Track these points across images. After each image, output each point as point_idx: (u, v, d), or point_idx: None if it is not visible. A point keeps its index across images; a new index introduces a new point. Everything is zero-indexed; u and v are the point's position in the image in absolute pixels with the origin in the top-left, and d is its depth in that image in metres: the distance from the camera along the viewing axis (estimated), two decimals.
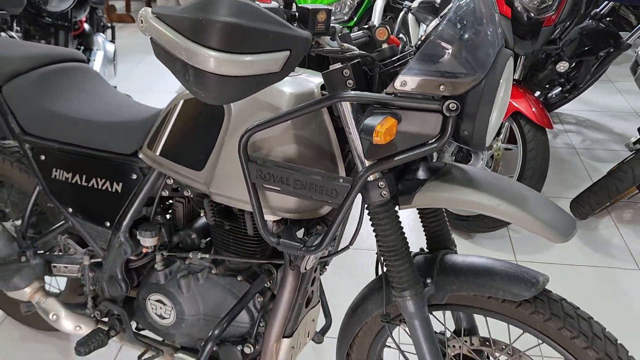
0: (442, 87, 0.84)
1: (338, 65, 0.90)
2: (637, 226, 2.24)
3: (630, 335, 1.73)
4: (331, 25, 0.88)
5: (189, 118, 1.10)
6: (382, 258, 1.02)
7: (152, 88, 3.82)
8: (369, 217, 1.00)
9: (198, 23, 0.65)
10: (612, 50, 2.60)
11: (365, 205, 0.99)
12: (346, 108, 0.91)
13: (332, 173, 0.95)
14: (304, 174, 0.94)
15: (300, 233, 1.09)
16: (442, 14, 0.88)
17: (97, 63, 3.23)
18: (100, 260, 1.32)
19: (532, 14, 1.92)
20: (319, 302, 1.35)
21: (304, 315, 1.27)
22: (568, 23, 2.30)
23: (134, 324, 1.38)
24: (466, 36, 0.84)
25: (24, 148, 1.31)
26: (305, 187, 0.95)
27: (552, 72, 2.51)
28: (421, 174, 1.01)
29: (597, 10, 2.65)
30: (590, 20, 2.64)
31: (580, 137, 2.92)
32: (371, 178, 0.94)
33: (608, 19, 2.64)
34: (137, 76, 4.06)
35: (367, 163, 0.92)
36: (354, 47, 0.91)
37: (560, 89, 2.98)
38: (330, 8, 0.84)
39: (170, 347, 1.33)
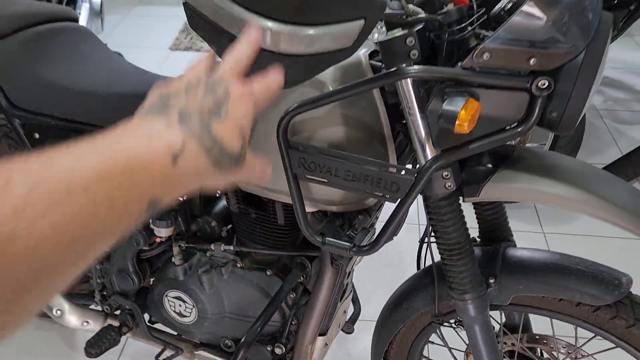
0: (532, 60, 0.68)
1: (399, 31, 0.73)
2: None
3: None
4: None
5: None
6: (441, 255, 0.89)
7: (143, 44, 3.57)
8: (428, 210, 0.86)
9: None
10: None
11: (423, 198, 0.85)
12: (407, 85, 0.76)
13: (389, 162, 0.81)
14: (356, 163, 0.79)
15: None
16: None
17: (82, 17, 2.97)
18: (107, 250, 1.18)
19: None
20: (351, 292, 1.23)
21: (337, 309, 1.15)
22: None
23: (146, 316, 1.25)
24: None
25: (14, 125, 1.13)
26: (358, 179, 0.80)
27: None
28: (488, 160, 0.86)
29: None
30: None
31: (602, 97, 2.77)
32: (434, 173, 0.80)
33: None
34: (125, 30, 3.80)
35: (430, 153, 0.78)
36: (420, 9, 0.75)
37: None
38: None
39: (190, 343, 1.21)
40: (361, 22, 0.59)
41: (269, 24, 0.52)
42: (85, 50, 1.19)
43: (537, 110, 0.71)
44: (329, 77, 0.83)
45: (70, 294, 1.28)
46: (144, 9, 4.15)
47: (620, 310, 0.86)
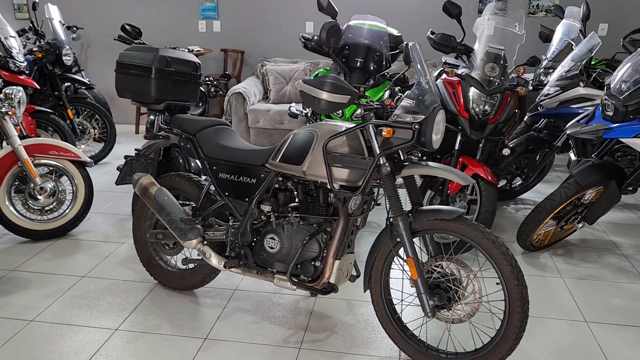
0: (411, 117, 2.05)
1: (369, 112, 2.13)
2: (565, 257, 3.27)
3: (550, 311, 2.69)
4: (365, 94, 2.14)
5: (297, 141, 2.30)
6: (389, 204, 2.15)
7: None
8: (382, 184, 2.14)
9: (321, 83, 1.90)
10: (547, 150, 3.84)
11: (378, 178, 2.15)
12: (371, 128, 2.11)
13: (365, 156, 2.13)
14: (352, 157, 2.12)
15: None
16: (411, 89, 2.12)
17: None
18: (238, 223, 2.45)
19: (480, 117, 3.19)
20: (354, 252, 2.43)
21: (346, 254, 2.34)
22: (507, 123, 3.57)
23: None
24: (420, 98, 2.07)
25: (204, 164, 2.51)
26: (353, 164, 2.12)
27: (509, 164, 3.72)
28: (405, 163, 2.18)
29: (537, 125, 3.95)
30: (533, 132, 3.92)
31: None
32: (381, 162, 2.11)
33: (545, 131, 3.92)
34: None
35: (378, 151, 2.10)
36: (374, 104, 2.15)
37: (520, 181, 4.19)
38: (365, 87, 2.10)
39: (270, 272, 2.39)
40: (350, 96, 1.98)
41: (325, 93, 1.92)
42: (233, 135, 2.62)
43: (415, 136, 2.05)
44: (343, 127, 2.20)
45: (213, 246, 2.51)
46: None
47: (461, 221, 2.07)
